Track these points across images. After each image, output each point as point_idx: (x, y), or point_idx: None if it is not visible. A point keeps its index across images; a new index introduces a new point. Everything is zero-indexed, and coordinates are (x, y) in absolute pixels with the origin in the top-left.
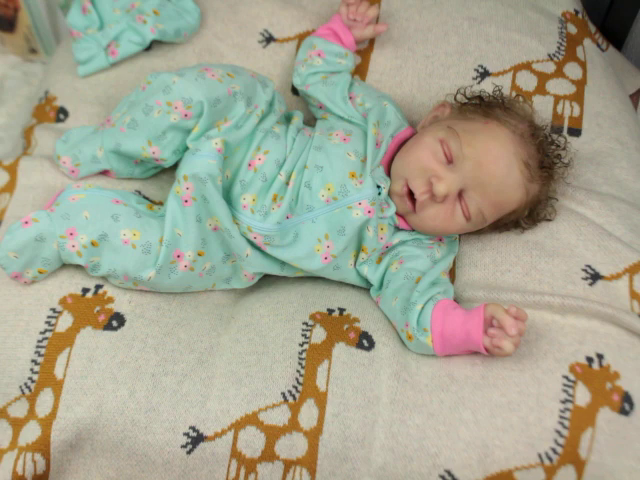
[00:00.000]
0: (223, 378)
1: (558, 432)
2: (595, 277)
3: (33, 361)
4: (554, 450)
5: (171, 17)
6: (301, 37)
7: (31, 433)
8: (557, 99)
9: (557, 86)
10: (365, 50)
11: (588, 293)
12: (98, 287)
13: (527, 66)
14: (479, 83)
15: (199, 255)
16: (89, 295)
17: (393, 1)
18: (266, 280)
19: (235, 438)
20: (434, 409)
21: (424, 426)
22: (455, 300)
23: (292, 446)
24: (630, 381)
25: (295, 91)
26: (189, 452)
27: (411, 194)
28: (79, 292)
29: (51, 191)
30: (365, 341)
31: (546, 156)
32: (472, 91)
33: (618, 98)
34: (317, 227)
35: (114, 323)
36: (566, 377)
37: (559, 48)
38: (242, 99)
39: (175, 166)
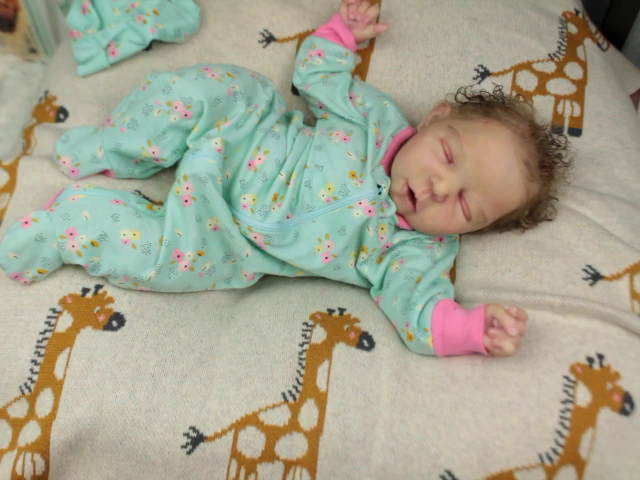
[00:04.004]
0: (223, 378)
1: (559, 432)
2: (595, 277)
3: (33, 361)
4: (554, 450)
5: (171, 17)
6: (301, 37)
7: (31, 433)
8: (557, 99)
9: (557, 86)
10: (365, 50)
11: (588, 293)
12: (98, 287)
13: (527, 66)
14: (479, 83)
15: (199, 255)
16: (89, 295)
17: (393, 1)
18: (266, 280)
19: (235, 438)
20: (434, 409)
21: (424, 426)
22: (456, 300)
23: (292, 446)
24: (630, 381)
25: (295, 91)
26: (189, 452)
27: (411, 194)
28: (79, 292)
29: (51, 191)
30: (365, 341)
31: (546, 156)
32: (472, 91)
33: (619, 98)
34: (317, 227)
35: (114, 323)
36: (567, 377)
37: (559, 48)
38: (242, 99)
39: (175, 166)
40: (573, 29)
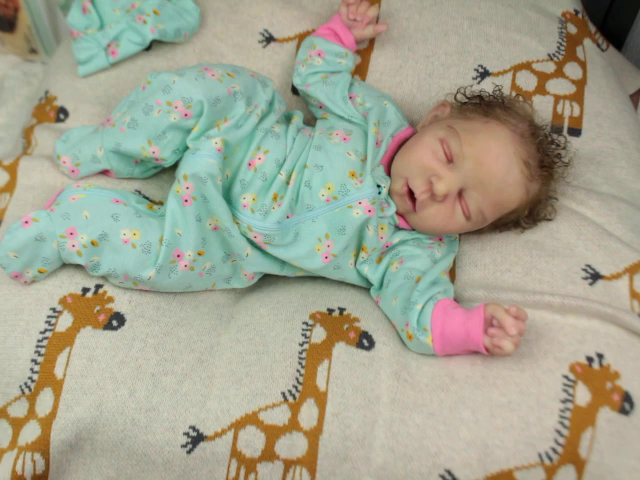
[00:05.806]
0: (223, 378)
1: (558, 432)
2: (595, 277)
3: (33, 361)
4: (554, 450)
5: (171, 17)
6: (301, 37)
7: (31, 433)
8: (557, 99)
9: (557, 86)
10: (365, 50)
11: (588, 293)
12: (98, 287)
13: (527, 66)
14: (479, 83)
15: (199, 255)
16: (89, 295)
17: (393, 1)
18: (266, 280)
19: (235, 438)
20: (434, 409)
21: (424, 426)
22: (455, 300)
23: (292, 446)
24: (630, 381)
25: (295, 91)
26: (189, 452)
27: (411, 193)
28: (79, 292)
29: (51, 191)
30: (365, 341)
31: (546, 155)
32: (472, 91)
33: (618, 98)
34: (317, 226)
35: (114, 323)
36: (566, 377)
37: (559, 48)
38: (242, 99)
39: (175, 166)
40: (572, 29)
